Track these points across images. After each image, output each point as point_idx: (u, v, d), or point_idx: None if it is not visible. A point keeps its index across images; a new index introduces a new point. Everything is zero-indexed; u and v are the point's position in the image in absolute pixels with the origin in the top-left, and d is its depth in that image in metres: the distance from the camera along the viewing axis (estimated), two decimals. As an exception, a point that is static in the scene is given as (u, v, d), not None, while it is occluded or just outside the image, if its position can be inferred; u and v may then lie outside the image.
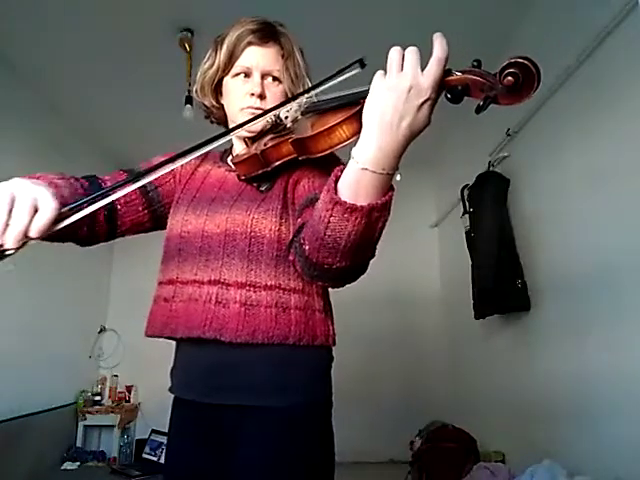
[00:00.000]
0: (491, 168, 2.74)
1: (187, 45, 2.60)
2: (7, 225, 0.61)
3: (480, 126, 3.10)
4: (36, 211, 0.63)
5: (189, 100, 2.60)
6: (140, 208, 0.99)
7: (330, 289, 0.96)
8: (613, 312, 1.80)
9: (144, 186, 0.99)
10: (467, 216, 2.92)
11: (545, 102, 2.26)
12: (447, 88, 0.63)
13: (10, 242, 0.61)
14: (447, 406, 3.51)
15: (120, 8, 2.43)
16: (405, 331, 3.86)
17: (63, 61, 2.83)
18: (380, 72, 0.64)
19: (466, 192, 2.97)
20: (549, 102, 2.24)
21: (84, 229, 0.91)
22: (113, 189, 0.73)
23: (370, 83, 0.66)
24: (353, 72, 0.77)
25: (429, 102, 0.62)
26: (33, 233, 0.62)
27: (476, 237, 2.77)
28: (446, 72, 0.63)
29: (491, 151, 2.78)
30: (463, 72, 0.63)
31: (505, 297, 2.43)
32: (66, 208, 0.66)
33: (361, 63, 0.79)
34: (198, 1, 2.43)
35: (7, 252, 0.62)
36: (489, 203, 2.63)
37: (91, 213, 0.77)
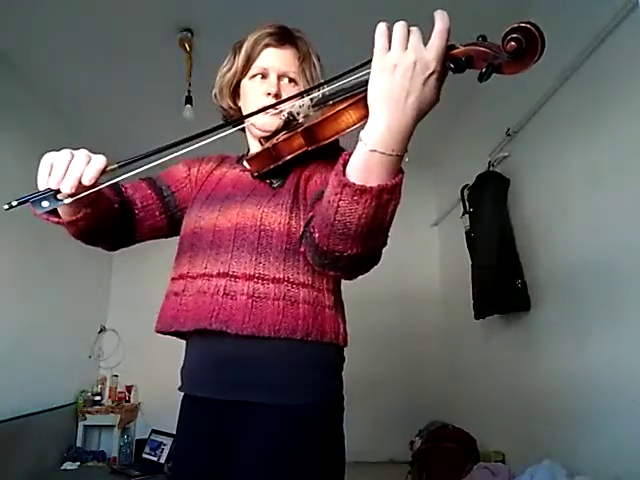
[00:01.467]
0: (491, 168, 2.74)
1: (187, 45, 2.60)
2: (65, 174, 0.71)
3: (480, 126, 3.10)
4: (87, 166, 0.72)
5: (189, 100, 2.61)
6: (157, 213, 1.01)
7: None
8: (613, 312, 1.80)
9: (160, 190, 1.03)
10: (467, 216, 2.92)
11: (545, 102, 2.26)
12: (450, 59, 0.63)
13: (65, 187, 0.71)
14: (447, 406, 3.51)
15: (120, 8, 2.43)
16: (405, 331, 3.85)
17: (63, 61, 2.83)
18: (380, 48, 0.63)
19: (466, 192, 2.97)
20: (549, 102, 2.24)
21: (117, 220, 0.94)
22: (156, 152, 0.77)
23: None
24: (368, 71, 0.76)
25: (435, 75, 0.61)
26: (85, 179, 0.71)
27: (476, 237, 2.77)
28: (450, 47, 0.62)
29: (491, 151, 2.78)
30: (466, 45, 0.63)
31: (505, 297, 2.43)
32: (115, 165, 0.75)
33: None
34: (198, 1, 2.43)
35: (64, 200, 0.72)
36: (489, 203, 2.63)
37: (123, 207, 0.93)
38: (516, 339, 2.59)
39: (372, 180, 0.64)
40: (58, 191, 0.71)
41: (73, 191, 0.71)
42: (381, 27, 0.63)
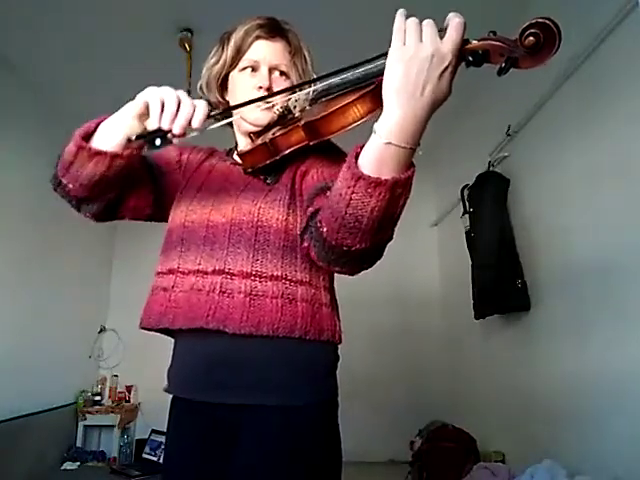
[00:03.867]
0: (491, 168, 2.74)
1: (187, 45, 2.60)
2: (176, 115, 0.74)
3: (480, 126, 3.10)
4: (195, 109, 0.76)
5: (189, 100, 2.60)
6: (147, 191, 0.98)
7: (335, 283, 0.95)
8: (613, 311, 1.80)
9: (152, 168, 1.00)
10: (467, 216, 2.92)
11: (545, 102, 2.26)
12: (469, 52, 0.64)
13: (177, 128, 0.74)
14: (447, 406, 3.51)
15: (120, 8, 2.43)
16: (405, 331, 3.85)
17: (63, 61, 2.83)
18: (397, 40, 0.63)
19: (466, 192, 2.97)
20: (549, 102, 2.24)
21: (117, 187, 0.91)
22: (249, 103, 0.86)
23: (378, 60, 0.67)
24: (372, 65, 0.73)
25: (450, 69, 0.62)
26: (195, 123, 0.75)
27: (476, 237, 2.77)
28: (464, 41, 0.63)
29: (491, 151, 2.78)
30: (481, 39, 0.64)
31: (505, 297, 2.42)
32: (214, 112, 0.80)
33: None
34: (198, 1, 2.43)
35: (172, 139, 0.75)
36: (489, 203, 2.63)
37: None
38: (516, 339, 2.59)
39: (386, 173, 0.64)
40: (168, 131, 0.74)
41: (183, 132, 0.74)
42: (399, 20, 0.63)
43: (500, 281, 2.43)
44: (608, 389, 1.80)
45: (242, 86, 0.97)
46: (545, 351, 2.28)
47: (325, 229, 0.73)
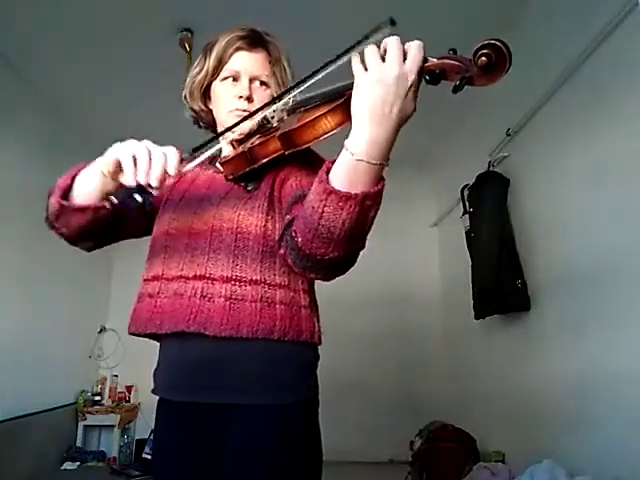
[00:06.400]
0: (491, 168, 2.74)
1: (187, 45, 2.60)
2: (150, 167, 0.74)
3: (480, 126, 3.10)
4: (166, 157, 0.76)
5: (189, 100, 2.61)
6: (134, 213, 1.02)
7: (325, 288, 0.97)
8: (613, 312, 1.81)
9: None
10: (467, 216, 2.92)
11: (545, 102, 2.26)
12: (426, 72, 0.67)
13: (154, 181, 0.74)
14: (447, 406, 3.51)
15: (120, 8, 2.43)
16: (405, 331, 3.86)
17: (63, 61, 2.83)
18: (358, 64, 0.66)
19: (466, 192, 2.97)
20: (549, 102, 2.24)
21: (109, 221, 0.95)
22: (220, 135, 0.88)
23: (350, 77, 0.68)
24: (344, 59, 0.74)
25: (413, 87, 0.65)
26: (171, 170, 0.75)
27: (476, 237, 2.77)
28: (423, 59, 0.66)
29: (491, 151, 2.78)
30: (439, 58, 0.67)
31: (505, 297, 2.43)
32: (184, 154, 0.79)
33: (391, 21, 0.70)
34: (198, 1, 2.43)
35: (152, 191, 0.75)
36: (489, 203, 2.63)
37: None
38: (516, 339, 2.59)
39: (356, 187, 0.67)
40: (146, 185, 0.74)
41: (160, 183, 0.74)
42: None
43: (500, 281, 2.43)
44: (608, 389, 1.80)
45: (223, 95, 1.00)
46: (545, 351, 2.28)
47: (300, 239, 0.75)
